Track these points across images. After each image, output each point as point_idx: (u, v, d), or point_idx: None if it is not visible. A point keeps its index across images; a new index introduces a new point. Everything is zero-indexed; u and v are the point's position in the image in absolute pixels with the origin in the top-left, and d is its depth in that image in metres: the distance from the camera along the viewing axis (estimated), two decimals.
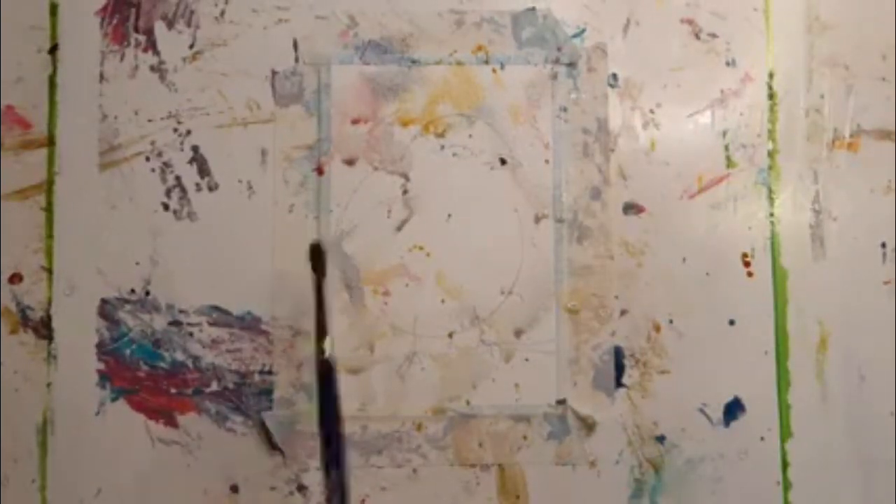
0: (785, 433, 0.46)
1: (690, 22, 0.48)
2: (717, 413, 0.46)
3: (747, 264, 0.46)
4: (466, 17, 0.47)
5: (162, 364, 0.45)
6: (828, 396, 0.46)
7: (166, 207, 0.46)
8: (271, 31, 0.47)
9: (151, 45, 0.47)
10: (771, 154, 0.47)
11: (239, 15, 0.47)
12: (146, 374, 0.45)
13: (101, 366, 0.45)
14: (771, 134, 0.47)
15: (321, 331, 0.42)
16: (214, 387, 0.45)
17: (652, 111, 0.47)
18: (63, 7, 0.47)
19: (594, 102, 0.47)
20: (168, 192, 0.46)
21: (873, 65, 0.48)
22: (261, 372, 0.45)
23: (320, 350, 0.41)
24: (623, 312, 0.46)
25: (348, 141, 0.47)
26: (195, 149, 0.47)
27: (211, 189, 0.46)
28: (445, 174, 0.47)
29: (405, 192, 0.47)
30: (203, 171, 0.46)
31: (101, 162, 0.47)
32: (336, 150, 0.47)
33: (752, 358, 0.46)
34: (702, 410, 0.46)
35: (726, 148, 0.47)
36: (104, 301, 0.46)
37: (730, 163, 0.47)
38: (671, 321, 0.46)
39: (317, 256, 0.44)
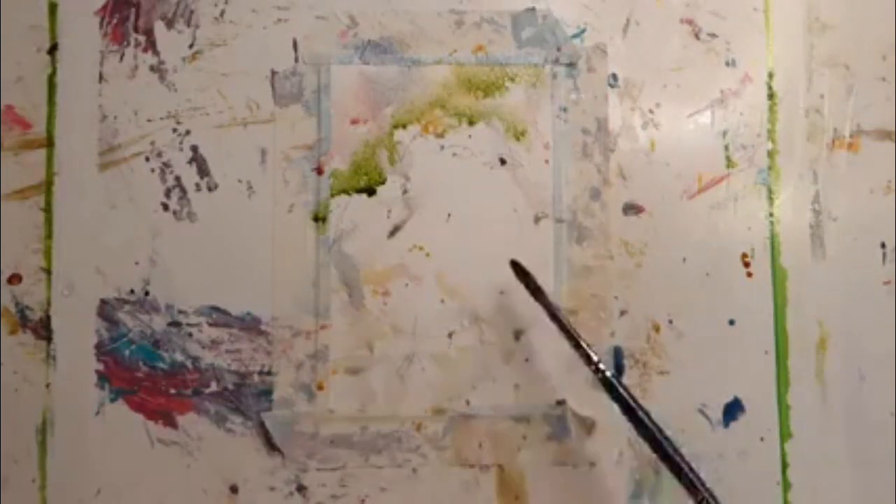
0: (784, 433, 0.46)
1: (690, 22, 0.48)
2: (717, 413, 0.46)
3: (747, 264, 0.46)
4: (466, 17, 0.47)
5: (161, 364, 0.45)
6: (827, 396, 0.46)
7: (166, 207, 0.46)
8: (271, 31, 0.47)
9: (151, 45, 0.47)
10: (771, 154, 0.47)
11: (239, 15, 0.47)
12: (145, 375, 0.45)
13: (101, 366, 0.45)
14: (771, 134, 0.47)
15: (577, 344, 0.41)
16: (214, 387, 0.45)
17: (652, 111, 0.47)
18: (62, 7, 0.47)
19: (594, 102, 0.47)
20: (168, 193, 0.46)
21: (873, 65, 0.48)
22: (260, 372, 0.45)
23: (594, 365, 0.40)
24: (622, 313, 0.46)
25: (348, 141, 0.47)
26: (195, 149, 0.47)
27: (210, 189, 0.46)
28: (445, 174, 0.47)
29: (405, 192, 0.47)
30: (203, 171, 0.46)
31: (100, 162, 0.46)
32: (336, 150, 0.47)
33: (752, 358, 0.46)
34: (701, 411, 0.46)
35: (726, 148, 0.47)
36: (103, 301, 0.46)
37: (730, 163, 0.47)
38: (671, 321, 0.46)
39: (520, 274, 0.44)
